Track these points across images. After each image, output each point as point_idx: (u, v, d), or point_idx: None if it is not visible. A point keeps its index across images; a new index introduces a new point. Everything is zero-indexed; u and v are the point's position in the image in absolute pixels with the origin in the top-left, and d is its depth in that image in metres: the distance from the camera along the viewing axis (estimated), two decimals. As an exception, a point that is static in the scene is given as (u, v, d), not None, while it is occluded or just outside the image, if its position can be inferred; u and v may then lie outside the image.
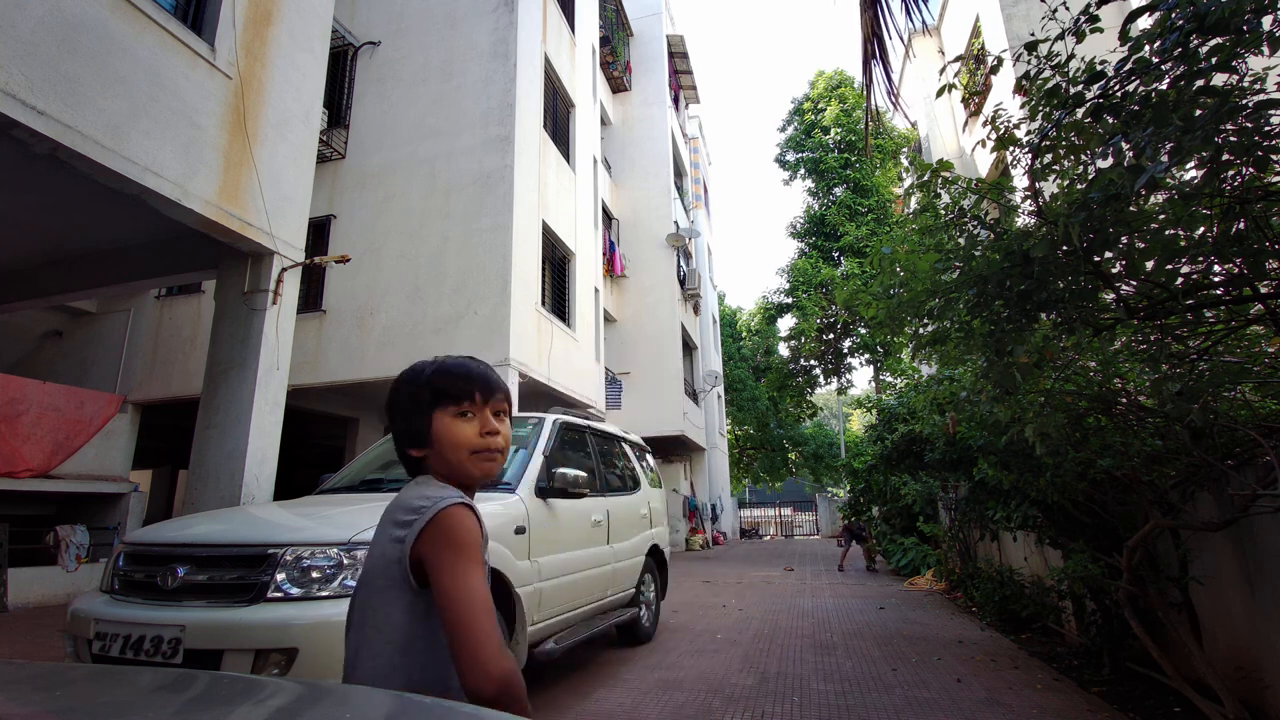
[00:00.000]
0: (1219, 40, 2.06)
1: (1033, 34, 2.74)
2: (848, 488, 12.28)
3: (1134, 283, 2.76)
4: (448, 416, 1.12)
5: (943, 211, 3.24)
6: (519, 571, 3.53)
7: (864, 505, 9.76)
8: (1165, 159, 2.07)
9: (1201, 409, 2.56)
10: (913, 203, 3.53)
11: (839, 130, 24.69)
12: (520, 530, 3.65)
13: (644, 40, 20.15)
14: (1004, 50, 5.38)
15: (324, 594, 2.61)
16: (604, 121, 17.90)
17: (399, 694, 1.00)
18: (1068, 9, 2.63)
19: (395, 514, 1.07)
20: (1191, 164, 2.16)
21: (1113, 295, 2.81)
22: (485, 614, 0.95)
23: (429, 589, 1.00)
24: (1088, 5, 2.42)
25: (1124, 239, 2.51)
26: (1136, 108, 2.24)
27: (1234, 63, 2.07)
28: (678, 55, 21.64)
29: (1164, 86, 2.21)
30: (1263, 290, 2.55)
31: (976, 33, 11.49)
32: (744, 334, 31.33)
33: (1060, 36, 2.50)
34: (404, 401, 1.15)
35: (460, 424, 1.12)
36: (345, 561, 2.68)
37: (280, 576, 2.63)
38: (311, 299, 9.60)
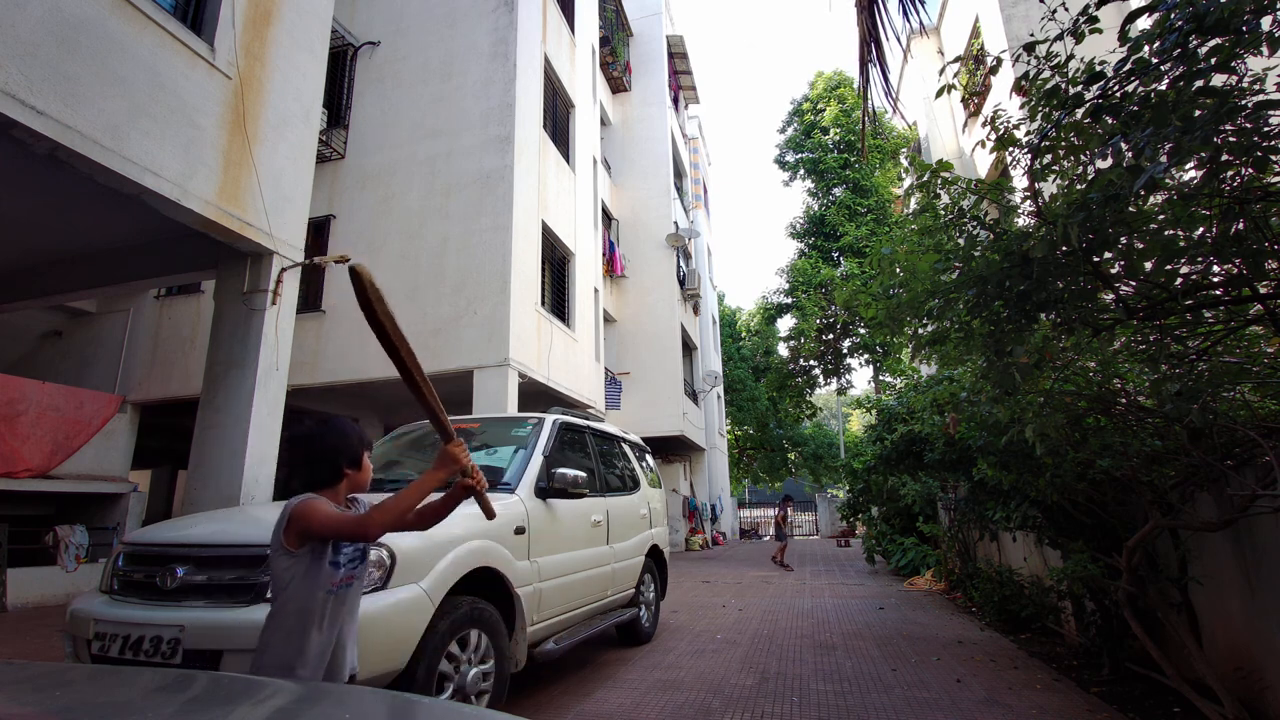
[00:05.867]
0: (1218, 41, 2.06)
1: (1032, 34, 2.74)
2: (847, 488, 12.28)
3: (1133, 283, 2.76)
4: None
5: (942, 212, 3.24)
6: (518, 572, 3.53)
7: (863, 505, 9.75)
8: (1164, 159, 2.07)
9: (1201, 409, 2.56)
10: (912, 203, 3.53)
11: (838, 131, 24.70)
12: (520, 531, 3.65)
13: (644, 40, 20.15)
14: (1003, 51, 5.38)
15: (324, 594, 2.61)
16: (604, 122, 17.90)
17: (399, 694, 1.00)
18: (1067, 10, 2.63)
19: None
20: (1191, 164, 2.16)
21: (1112, 295, 2.81)
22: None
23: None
24: (1087, 6, 2.42)
25: (1123, 239, 2.51)
26: (1136, 108, 2.24)
27: (1233, 63, 2.07)
28: (677, 56, 21.64)
29: (1163, 87, 2.21)
30: (1262, 290, 2.55)
31: (976, 33, 11.50)
32: (744, 334, 31.32)
33: (1059, 37, 2.50)
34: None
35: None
36: (345, 562, 2.68)
37: (280, 577, 2.63)
38: (311, 299, 9.60)
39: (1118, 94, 2.34)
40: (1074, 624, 5.06)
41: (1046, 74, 2.58)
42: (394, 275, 9.44)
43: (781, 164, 26.54)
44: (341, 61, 10.66)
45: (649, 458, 6.57)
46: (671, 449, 18.57)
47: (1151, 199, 2.45)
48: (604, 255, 15.03)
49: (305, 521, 1.59)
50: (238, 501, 5.20)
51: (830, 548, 18.90)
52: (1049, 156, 2.64)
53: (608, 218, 16.99)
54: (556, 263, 11.37)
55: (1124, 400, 3.40)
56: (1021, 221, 3.19)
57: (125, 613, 2.67)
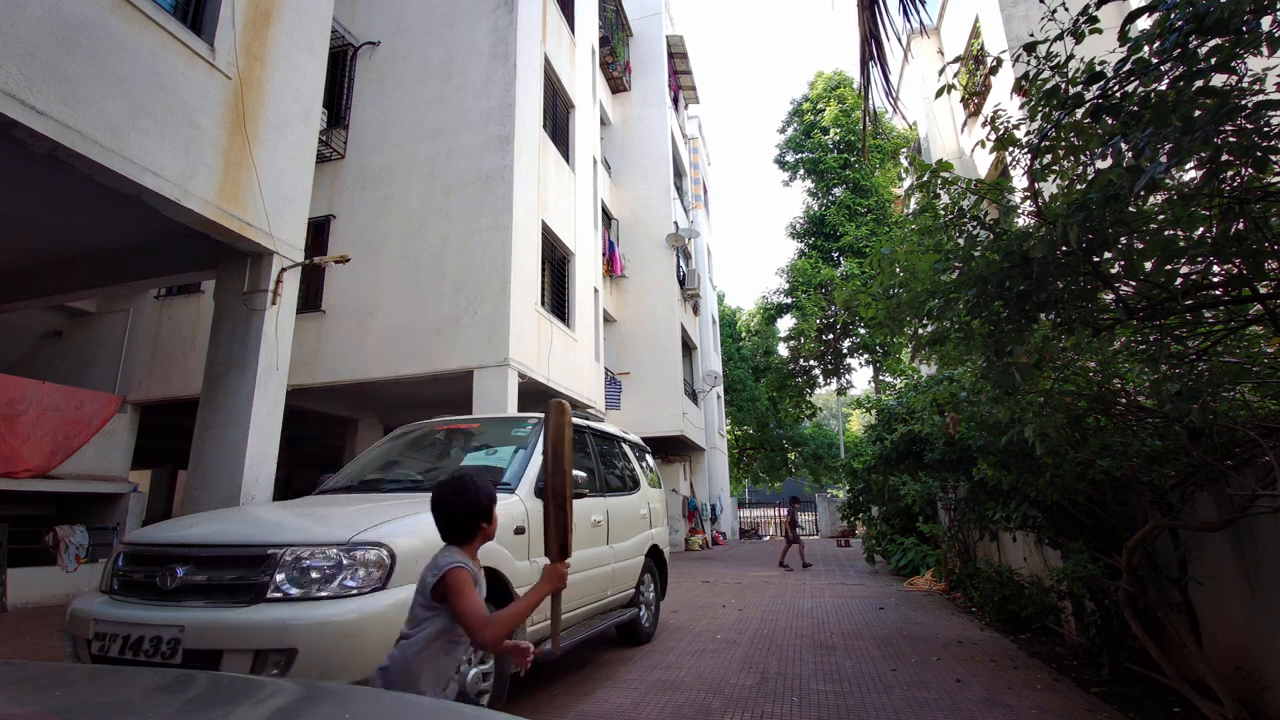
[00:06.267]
0: (1218, 41, 2.06)
1: (1032, 35, 2.74)
2: (847, 488, 12.29)
3: (1133, 283, 2.76)
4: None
5: (942, 212, 3.24)
6: (518, 572, 3.53)
7: (863, 505, 9.75)
8: (1164, 160, 2.07)
9: (1201, 409, 2.56)
10: (912, 203, 3.53)
11: (838, 131, 24.70)
12: (520, 531, 3.65)
13: (644, 40, 20.16)
14: (1003, 51, 5.38)
15: (323, 594, 2.61)
16: (604, 122, 17.91)
17: (399, 694, 1.00)
18: (1067, 10, 2.63)
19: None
20: (1191, 164, 2.16)
21: (1112, 295, 2.81)
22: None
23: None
24: (1087, 6, 2.42)
25: (1123, 239, 2.51)
26: (1136, 108, 2.23)
27: (1233, 63, 2.07)
28: (677, 56, 21.64)
29: (1163, 87, 2.21)
30: (1262, 290, 2.55)
31: (976, 33, 11.50)
32: (744, 334, 31.32)
33: (1059, 37, 2.49)
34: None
35: None
36: (345, 562, 2.68)
37: (280, 577, 2.63)
38: (311, 299, 9.60)
39: (1118, 94, 2.34)
40: (1074, 624, 5.06)
41: (1046, 74, 2.58)
42: (394, 275, 9.44)
43: (781, 164, 26.54)
44: (341, 61, 10.66)
45: (649, 458, 6.57)
46: (671, 449, 18.57)
47: (1151, 199, 2.45)
48: (604, 255, 15.03)
49: (448, 592, 1.76)
50: (238, 501, 5.20)
51: (830, 548, 18.91)
52: (1049, 156, 2.64)
53: (608, 218, 16.99)
54: (556, 263, 11.37)
55: (1124, 400, 3.40)
56: (1021, 221, 3.19)
57: (125, 613, 2.67)
